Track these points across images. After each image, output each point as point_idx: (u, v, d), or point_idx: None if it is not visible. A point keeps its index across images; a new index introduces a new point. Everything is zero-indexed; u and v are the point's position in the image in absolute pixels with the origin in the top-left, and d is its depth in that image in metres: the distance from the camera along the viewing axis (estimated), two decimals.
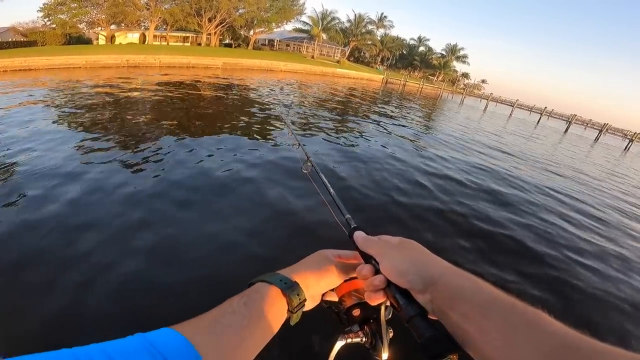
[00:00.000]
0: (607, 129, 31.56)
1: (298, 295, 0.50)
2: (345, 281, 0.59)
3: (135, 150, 5.46)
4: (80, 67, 19.72)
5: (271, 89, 17.07)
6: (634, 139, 28.87)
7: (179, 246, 3.13)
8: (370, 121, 11.47)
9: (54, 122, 6.67)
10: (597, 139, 29.25)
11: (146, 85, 13.47)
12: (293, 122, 9.02)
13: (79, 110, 7.91)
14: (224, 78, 19.18)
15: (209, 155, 5.51)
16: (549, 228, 4.95)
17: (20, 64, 17.54)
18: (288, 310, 0.50)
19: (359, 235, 0.58)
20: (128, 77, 15.61)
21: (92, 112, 7.80)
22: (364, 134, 9.12)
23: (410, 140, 9.27)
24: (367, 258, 0.54)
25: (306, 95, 17.21)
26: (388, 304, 0.50)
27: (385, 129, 10.40)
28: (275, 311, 0.48)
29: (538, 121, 33.73)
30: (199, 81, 16.47)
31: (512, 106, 37.69)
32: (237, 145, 6.27)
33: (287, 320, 0.51)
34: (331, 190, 0.80)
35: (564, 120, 35.15)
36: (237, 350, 0.42)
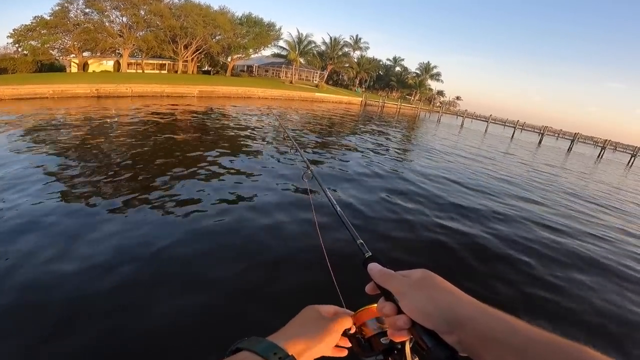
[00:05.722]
0: (578, 138, 32.68)
1: None
2: (362, 309, 0.57)
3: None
4: (47, 97, 18.88)
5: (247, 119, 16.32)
6: (605, 146, 29.93)
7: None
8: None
9: None
10: (570, 149, 30.18)
11: (107, 122, 12.41)
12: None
13: None
14: (200, 112, 16.82)
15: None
16: None
17: None
18: None
19: (374, 268, 0.54)
20: (91, 110, 14.66)
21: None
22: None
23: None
24: (387, 293, 0.51)
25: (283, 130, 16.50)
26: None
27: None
28: None
29: (512, 135, 34.67)
30: (171, 114, 14.99)
31: (487, 121, 38.78)
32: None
33: None
34: (337, 207, 0.70)
35: (536, 132, 36.32)
36: None
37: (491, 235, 5.14)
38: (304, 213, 4.63)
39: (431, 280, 0.48)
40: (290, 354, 0.45)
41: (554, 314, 3.45)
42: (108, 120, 11.72)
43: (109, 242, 3.55)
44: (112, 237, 3.65)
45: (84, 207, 4.34)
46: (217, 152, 7.92)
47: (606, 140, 30.77)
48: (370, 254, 0.59)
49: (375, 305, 0.54)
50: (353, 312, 0.58)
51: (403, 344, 0.51)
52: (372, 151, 10.83)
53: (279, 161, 7.77)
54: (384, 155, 10.45)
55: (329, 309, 0.57)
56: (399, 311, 0.48)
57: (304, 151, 9.07)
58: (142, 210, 4.38)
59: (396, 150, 11.93)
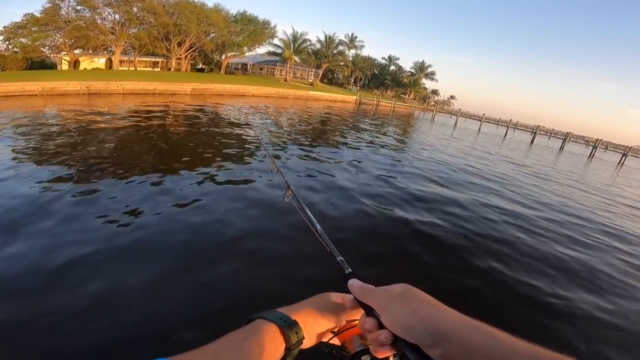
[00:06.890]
0: (570, 138, 33.01)
1: (296, 333, 0.50)
2: (349, 328, 0.57)
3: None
4: (36, 95, 18.66)
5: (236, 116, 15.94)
6: (597, 145, 30.28)
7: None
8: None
9: None
10: (562, 147, 30.48)
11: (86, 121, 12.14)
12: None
13: None
14: (188, 112, 16.58)
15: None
16: None
17: None
18: (285, 347, 0.49)
19: (354, 284, 0.55)
20: (79, 109, 14.45)
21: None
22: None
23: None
24: (368, 309, 0.51)
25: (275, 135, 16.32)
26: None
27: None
28: (273, 348, 0.48)
29: (505, 134, 34.94)
30: (161, 113, 14.92)
31: (480, 120, 39.01)
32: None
33: (284, 358, 0.50)
34: (317, 226, 0.72)
35: (528, 131, 36.63)
36: None
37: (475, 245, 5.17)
38: (281, 231, 4.35)
39: (412, 294, 0.47)
40: (293, 319, 0.51)
41: (538, 323, 3.43)
42: (78, 119, 11.16)
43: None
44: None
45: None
46: (189, 163, 7.19)
47: (597, 139, 31.15)
48: (351, 270, 0.58)
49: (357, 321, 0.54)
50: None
51: None
52: (362, 154, 10.67)
53: (259, 177, 6.77)
54: (374, 160, 10.10)
55: (340, 295, 0.59)
56: (381, 326, 0.47)
57: (290, 157, 8.83)
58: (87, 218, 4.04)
59: (387, 155, 11.73)
